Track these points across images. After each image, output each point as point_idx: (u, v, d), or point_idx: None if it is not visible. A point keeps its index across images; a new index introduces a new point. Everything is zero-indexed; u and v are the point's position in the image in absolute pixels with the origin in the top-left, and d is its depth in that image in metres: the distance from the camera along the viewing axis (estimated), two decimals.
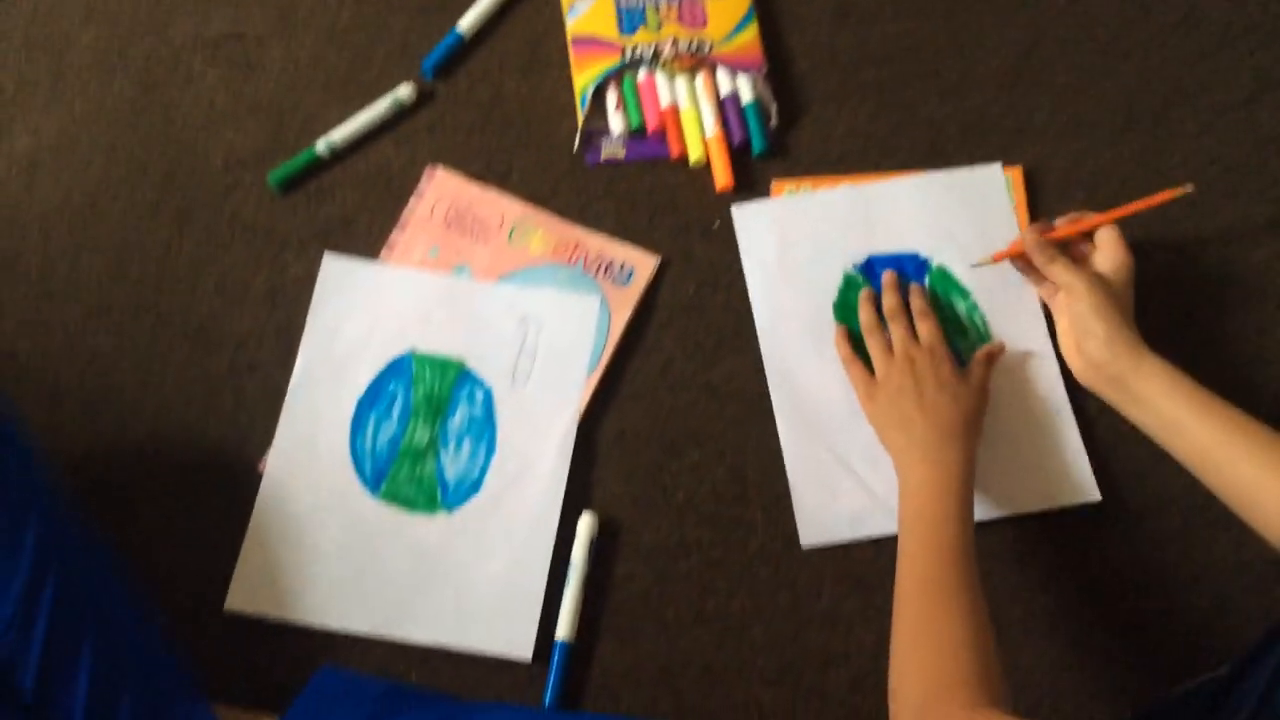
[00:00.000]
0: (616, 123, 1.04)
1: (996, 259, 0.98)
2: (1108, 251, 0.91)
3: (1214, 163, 1.04)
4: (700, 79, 1.06)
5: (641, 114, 1.05)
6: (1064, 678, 0.91)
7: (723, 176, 1.03)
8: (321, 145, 1.04)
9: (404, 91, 1.06)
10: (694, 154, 1.03)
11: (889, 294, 0.98)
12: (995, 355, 0.96)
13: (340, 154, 1.05)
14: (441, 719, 0.83)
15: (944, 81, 1.08)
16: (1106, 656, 0.91)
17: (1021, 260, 0.97)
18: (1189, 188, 0.92)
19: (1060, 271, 0.91)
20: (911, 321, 0.97)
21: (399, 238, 1.02)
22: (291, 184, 1.04)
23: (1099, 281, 0.90)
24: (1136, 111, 1.06)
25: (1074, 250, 0.94)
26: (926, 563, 0.82)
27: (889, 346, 0.95)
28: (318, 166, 1.05)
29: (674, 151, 1.04)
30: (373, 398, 0.95)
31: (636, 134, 1.05)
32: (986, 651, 0.76)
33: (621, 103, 1.05)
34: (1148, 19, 1.10)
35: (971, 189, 1.02)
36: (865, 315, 0.97)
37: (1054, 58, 1.09)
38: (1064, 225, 0.94)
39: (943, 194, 1.02)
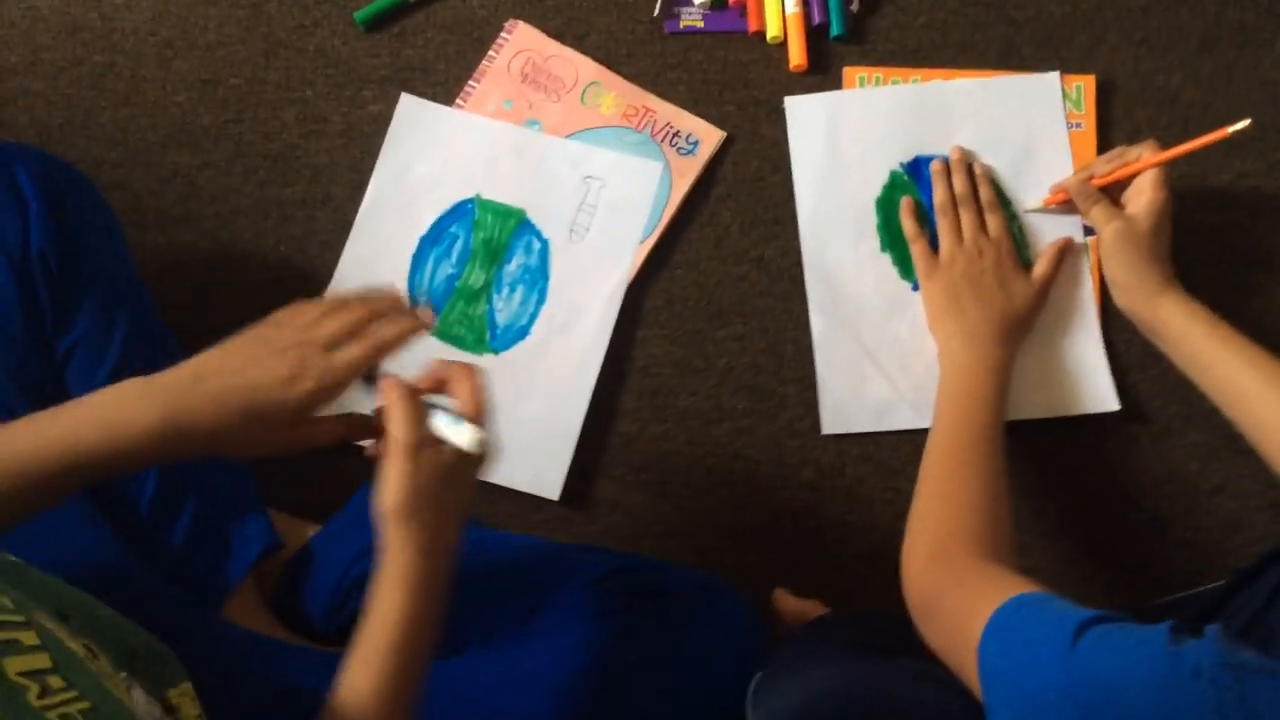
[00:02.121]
0: None
1: (1047, 204, 0.99)
2: (1144, 192, 0.92)
3: None
4: None
5: None
6: (1068, 572, 0.94)
7: (797, 55, 1.04)
8: None
9: None
10: (771, 29, 1.04)
11: (959, 177, 0.99)
12: (1064, 251, 0.98)
13: None
14: (471, 541, 0.89)
15: None
16: (1111, 560, 0.95)
17: (1068, 203, 0.98)
18: (1245, 124, 0.89)
19: (1096, 215, 0.93)
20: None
21: (475, 87, 1.04)
22: (376, 23, 1.06)
23: (1127, 225, 0.91)
24: (1217, 34, 1.05)
25: (1117, 190, 0.95)
26: (956, 434, 0.87)
27: (958, 230, 0.97)
28: (403, 8, 1.07)
29: (752, 26, 1.05)
30: (435, 237, 0.99)
31: (717, 5, 1.06)
32: (1000, 518, 0.81)
33: None
34: None
35: (1027, 96, 1.02)
36: (940, 193, 0.99)
37: None
38: (1107, 169, 0.94)
39: (998, 99, 1.02)
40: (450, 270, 0.99)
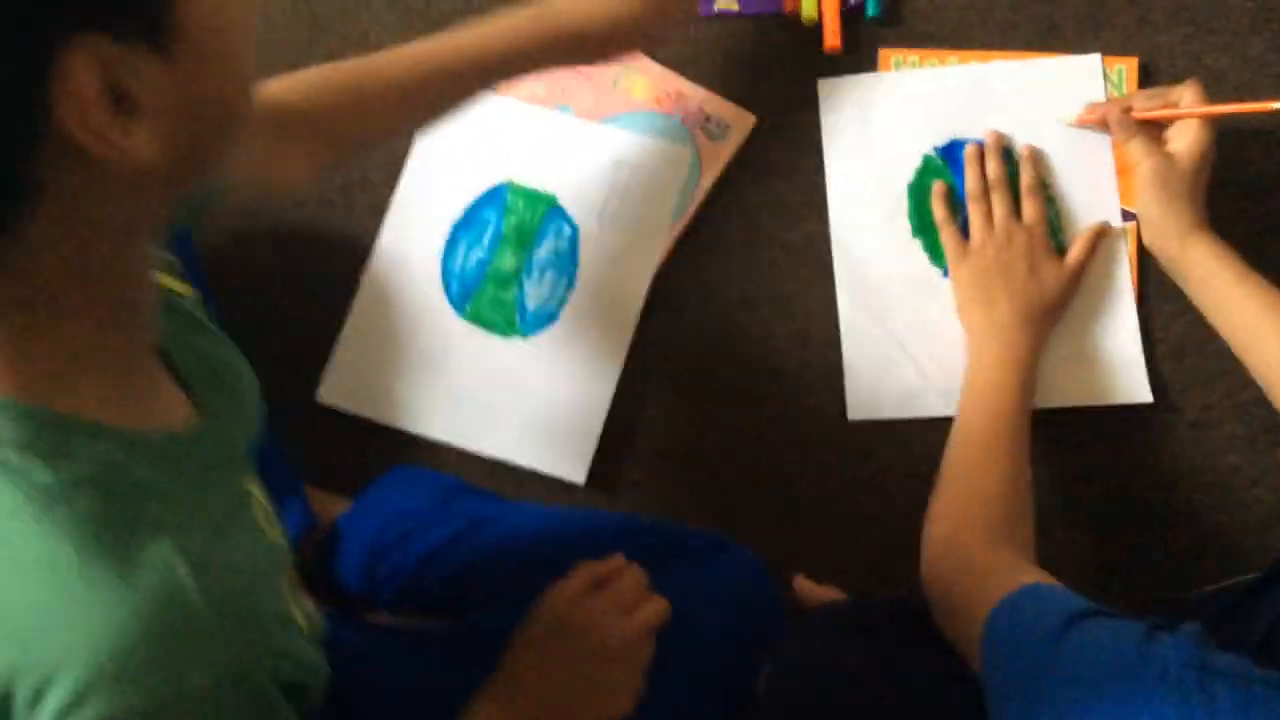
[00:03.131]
0: None
1: (1081, 122, 0.97)
2: (1190, 131, 0.90)
3: None
4: None
5: None
6: (1097, 563, 0.94)
7: (832, 36, 1.03)
8: None
9: None
10: (806, 10, 1.03)
11: (992, 159, 0.98)
12: (1100, 236, 0.96)
13: None
14: (493, 509, 0.92)
15: None
16: (1144, 551, 0.94)
17: (1105, 127, 0.96)
18: None
19: (1134, 148, 0.92)
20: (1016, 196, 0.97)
21: None
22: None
23: (1166, 162, 0.90)
24: (1265, 14, 1.01)
25: (1156, 128, 0.93)
26: (979, 425, 0.87)
27: (990, 216, 0.96)
28: None
29: (788, 6, 1.04)
30: (467, 222, 1.01)
31: None
32: (1020, 508, 0.83)
33: None
34: None
35: (1068, 79, 1.00)
36: (972, 178, 0.97)
37: None
38: (1147, 104, 0.92)
39: (1037, 82, 1.00)
40: (482, 255, 1.00)
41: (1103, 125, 0.95)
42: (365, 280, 1.00)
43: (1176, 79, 1.00)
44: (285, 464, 0.91)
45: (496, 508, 0.92)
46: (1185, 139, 0.90)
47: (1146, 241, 0.93)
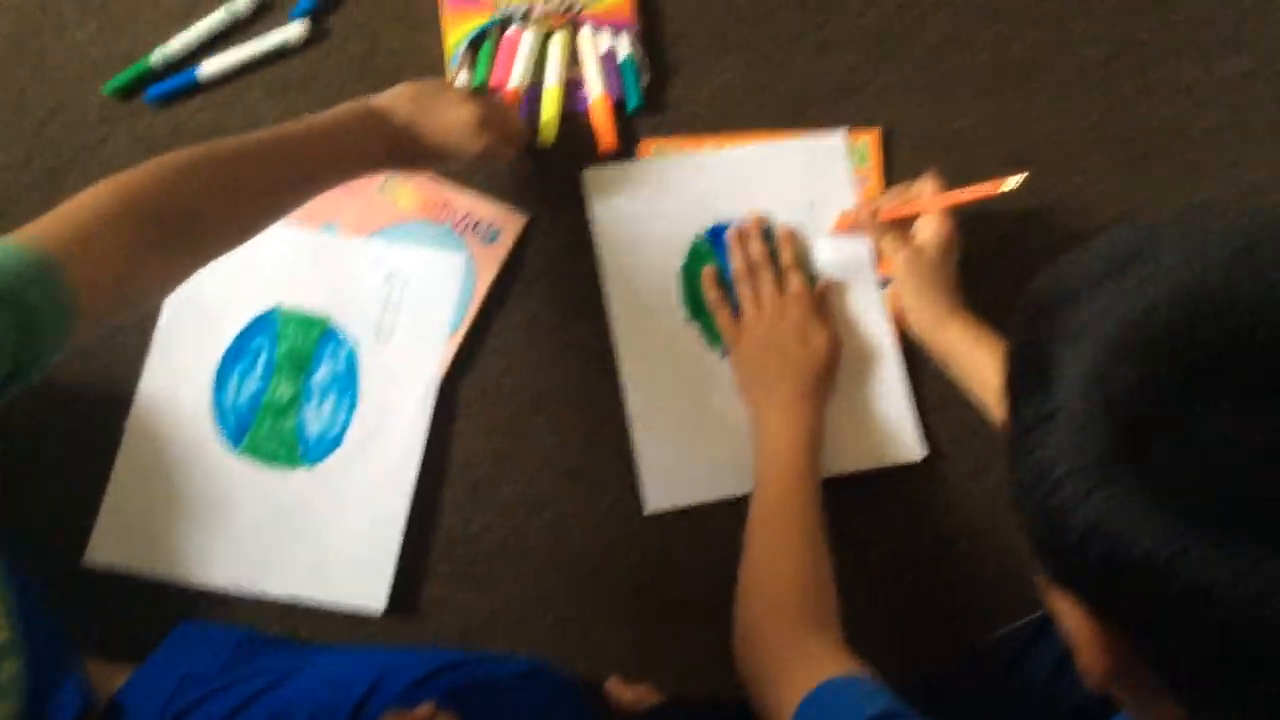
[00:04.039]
0: (463, 79, 1.04)
1: (836, 230, 1.01)
2: (931, 223, 0.94)
3: (1067, 128, 1.06)
4: (582, 33, 1.06)
5: (489, 73, 1.05)
6: (893, 622, 0.96)
7: (606, 138, 1.03)
8: (156, 54, 1.05)
9: (241, 3, 1.06)
10: (545, 132, 1.03)
11: (754, 240, 1.01)
12: (828, 292, 1.01)
13: (215, 103, 1.05)
14: (291, 660, 0.87)
15: (813, 40, 1.08)
16: (934, 603, 0.97)
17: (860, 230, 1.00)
18: (1015, 183, 0.86)
19: (886, 245, 0.96)
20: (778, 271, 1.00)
21: None
22: (162, 101, 1.04)
23: (916, 254, 0.94)
24: (999, 74, 1.08)
25: (905, 222, 0.97)
26: (776, 500, 0.89)
27: (758, 294, 0.99)
28: (190, 105, 1.04)
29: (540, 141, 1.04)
30: (237, 353, 0.97)
31: (480, 90, 1.04)
32: (820, 584, 0.84)
33: (474, 61, 1.05)
34: None
35: (815, 156, 1.04)
36: (737, 261, 1.00)
37: (923, 16, 1.09)
38: (892, 205, 0.96)
39: (788, 161, 1.04)
40: (256, 386, 0.97)
41: (858, 229, 0.99)
42: (129, 427, 0.95)
43: (921, 143, 1.05)
44: (60, 640, 0.85)
45: (295, 658, 0.88)
46: (929, 230, 0.94)
47: (909, 329, 0.98)
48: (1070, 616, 0.48)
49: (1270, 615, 0.39)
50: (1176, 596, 0.41)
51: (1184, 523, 0.41)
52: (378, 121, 0.85)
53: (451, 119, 0.87)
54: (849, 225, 1.00)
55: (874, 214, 0.96)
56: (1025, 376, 0.50)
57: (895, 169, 1.05)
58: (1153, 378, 0.44)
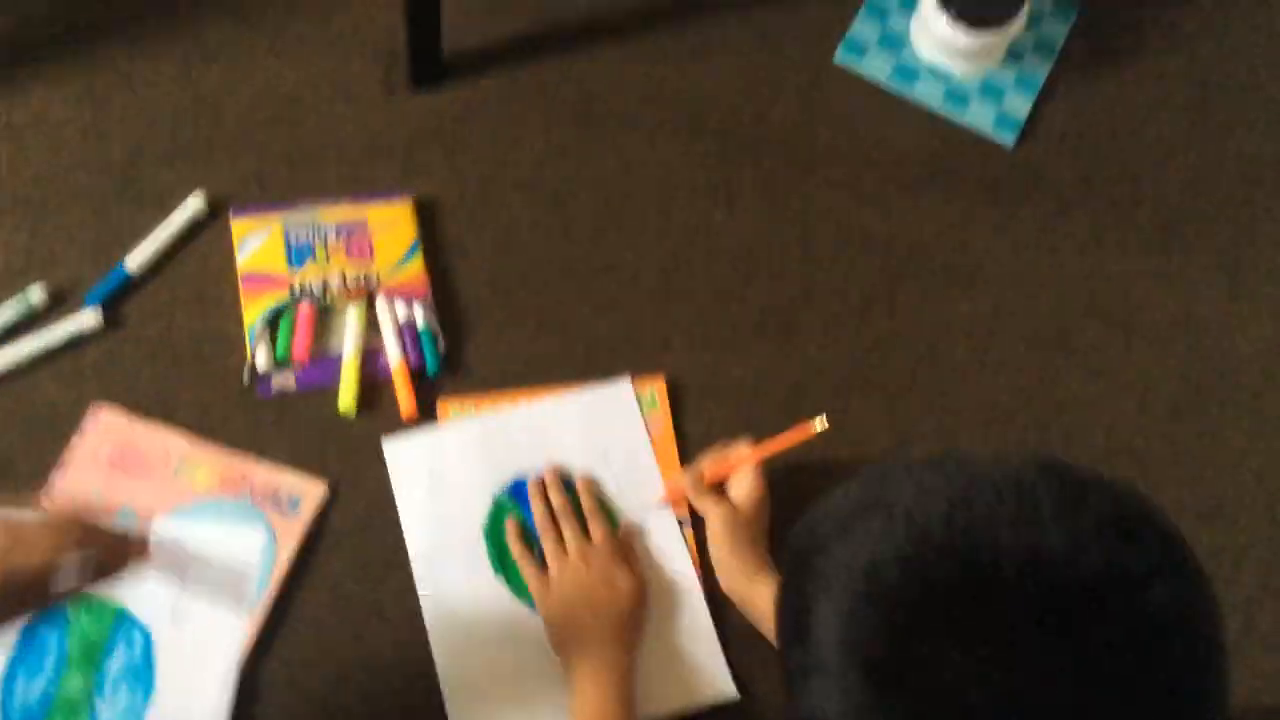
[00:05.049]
0: (262, 356, 1.07)
1: (669, 499, 1.06)
2: (742, 483, 1.01)
3: (835, 368, 1.16)
4: (379, 304, 1.11)
5: (289, 347, 1.08)
6: None
7: (407, 405, 1.07)
8: None
9: (35, 296, 1.07)
10: (344, 402, 1.07)
11: (554, 491, 1.05)
12: (630, 535, 1.04)
13: (6, 396, 1.05)
14: None
15: (596, 300, 1.16)
16: None
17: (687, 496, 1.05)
18: (822, 424, 0.98)
19: (702, 505, 1.02)
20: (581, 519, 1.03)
21: (60, 478, 1.01)
22: None
23: (730, 511, 1.00)
24: (765, 321, 1.17)
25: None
26: None
27: (562, 543, 1.01)
28: None
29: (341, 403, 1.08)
30: (22, 651, 0.93)
31: (281, 364, 1.08)
32: None
33: (274, 335, 1.09)
34: (773, 236, 1.22)
35: (606, 405, 1.10)
36: (539, 513, 1.03)
37: (696, 272, 1.19)
38: (712, 468, 1.03)
39: (582, 412, 1.10)
40: (45, 685, 0.93)
41: (685, 496, 1.04)
42: None
43: (703, 390, 1.13)
44: None
45: None
46: (742, 486, 1.01)
47: (722, 586, 1.01)
48: None
49: None
50: None
51: None
52: None
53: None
54: (676, 495, 1.05)
55: (699, 478, 1.02)
56: (790, 626, 0.55)
57: (684, 413, 1.11)
58: (890, 624, 0.49)
